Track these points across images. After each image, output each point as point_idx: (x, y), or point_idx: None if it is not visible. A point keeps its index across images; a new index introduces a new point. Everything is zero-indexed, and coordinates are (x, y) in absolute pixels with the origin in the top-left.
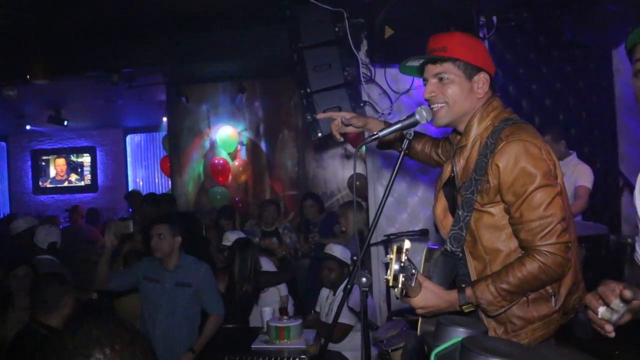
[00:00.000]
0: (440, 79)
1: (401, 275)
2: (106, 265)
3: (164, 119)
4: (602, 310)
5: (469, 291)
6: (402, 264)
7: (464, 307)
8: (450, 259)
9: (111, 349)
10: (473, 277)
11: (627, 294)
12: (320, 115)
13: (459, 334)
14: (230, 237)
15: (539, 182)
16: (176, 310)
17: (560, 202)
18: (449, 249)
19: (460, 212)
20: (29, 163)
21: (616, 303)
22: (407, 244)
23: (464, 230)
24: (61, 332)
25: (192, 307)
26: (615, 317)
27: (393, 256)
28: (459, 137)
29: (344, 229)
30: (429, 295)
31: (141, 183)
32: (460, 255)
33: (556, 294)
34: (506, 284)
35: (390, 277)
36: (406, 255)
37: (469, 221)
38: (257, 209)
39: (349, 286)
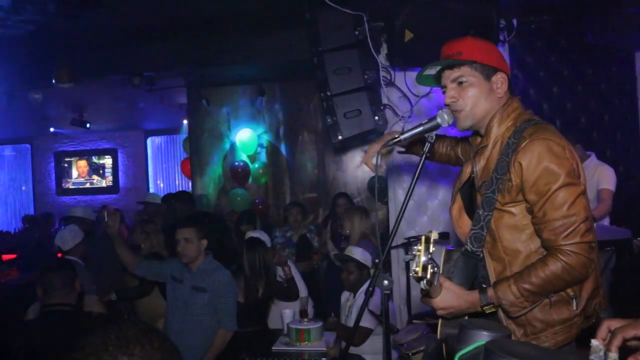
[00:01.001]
0: (460, 83)
1: (430, 267)
2: (121, 250)
3: (185, 121)
4: (594, 343)
5: (490, 291)
6: (430, 255)
7: (485, 307)
8: (471, 260)
9: (151, 346)
10: (492, 279)
11: None
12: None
13: (482, 337)
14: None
15: (563, 180)
16: (191, 314)
17: (583, 201)
18: (469, 249)
19: (480, 212)
20: (52, 164)
21: (612, 357)
22: (434, 234)
23: (485, 230)
24: (98, 334)
25: (207, 315)
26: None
27: (421, 246)
28: (479, 138)
29: (347, 231)
30: (450, 296)
31: (162, 185)
32: (481, 255)
33: (577, 297)
34: (529, 284)
35: (419, 268)
36: (433, 246)
37: (490, 220)
38: (277, 211)
39: (370, 289)
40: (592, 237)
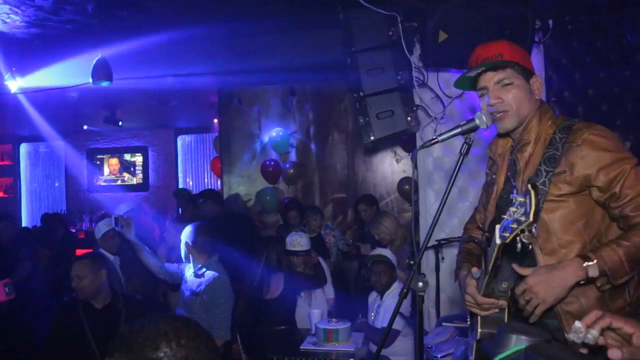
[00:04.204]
0: (504, 85)
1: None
2: (142, 256)
3: (215, 120)
4: (577, 325)
5: (592, 256)
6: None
7: (587, 268)
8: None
9: (177, 343)
10: None
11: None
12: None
13: (521, 342)
14: (302, 242)
15: (632, 161)
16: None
17: None
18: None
19: None
20: (85, 162)
21: (593, 333)
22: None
23: None
24: (131, 326)
25: (202, 320)
26: (576, 340)
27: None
28: (500, 142)
29: (383, 236)
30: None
31: (191, 183)
32: (530, 248)
33: (629, 287)
34: (633, 246)
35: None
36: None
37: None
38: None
39: (405, 290)
40: None
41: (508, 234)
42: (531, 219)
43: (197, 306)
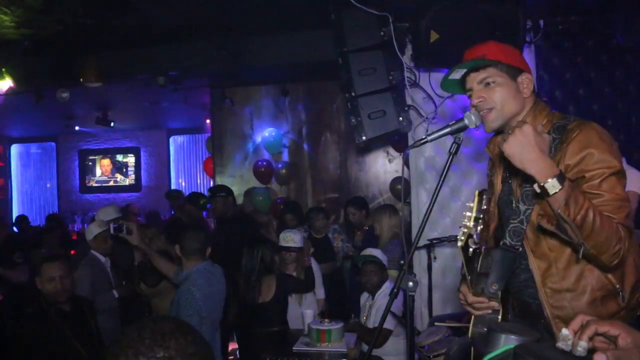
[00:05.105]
0: (487, 84)
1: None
2: (158, 263)
3: (207, 121)
4: (564, 332)
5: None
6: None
7: (553, 179)
8: (509, 254)
9: (185, 339)
10: (537, 278)
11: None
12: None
13: (511, 341)
14: (295, 238)
15: (614, 167)
16: None
17: None
18: (508, 243)
19: (520, 205)
20: (77, 163)
21: (582, 345)
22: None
23: (525, 224)
24: (127, 331)
25: None
26: (565, 347)
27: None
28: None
29: (377, 233)
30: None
31: (183, 184)
32: (520, 250)
33: (622, 290)
34: (599, 214)
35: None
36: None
37: (530, 214)
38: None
39: (395, 290)
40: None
41: (463, 238)
42: (470, 224)
43: (173, 315)
